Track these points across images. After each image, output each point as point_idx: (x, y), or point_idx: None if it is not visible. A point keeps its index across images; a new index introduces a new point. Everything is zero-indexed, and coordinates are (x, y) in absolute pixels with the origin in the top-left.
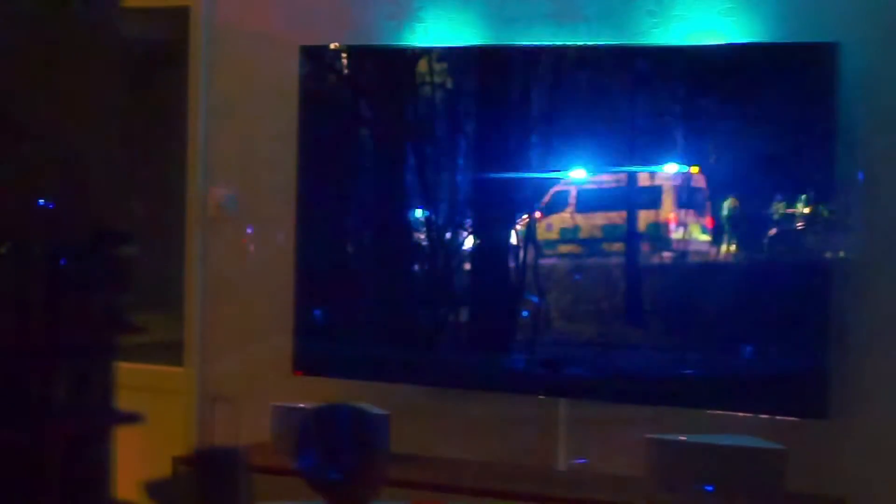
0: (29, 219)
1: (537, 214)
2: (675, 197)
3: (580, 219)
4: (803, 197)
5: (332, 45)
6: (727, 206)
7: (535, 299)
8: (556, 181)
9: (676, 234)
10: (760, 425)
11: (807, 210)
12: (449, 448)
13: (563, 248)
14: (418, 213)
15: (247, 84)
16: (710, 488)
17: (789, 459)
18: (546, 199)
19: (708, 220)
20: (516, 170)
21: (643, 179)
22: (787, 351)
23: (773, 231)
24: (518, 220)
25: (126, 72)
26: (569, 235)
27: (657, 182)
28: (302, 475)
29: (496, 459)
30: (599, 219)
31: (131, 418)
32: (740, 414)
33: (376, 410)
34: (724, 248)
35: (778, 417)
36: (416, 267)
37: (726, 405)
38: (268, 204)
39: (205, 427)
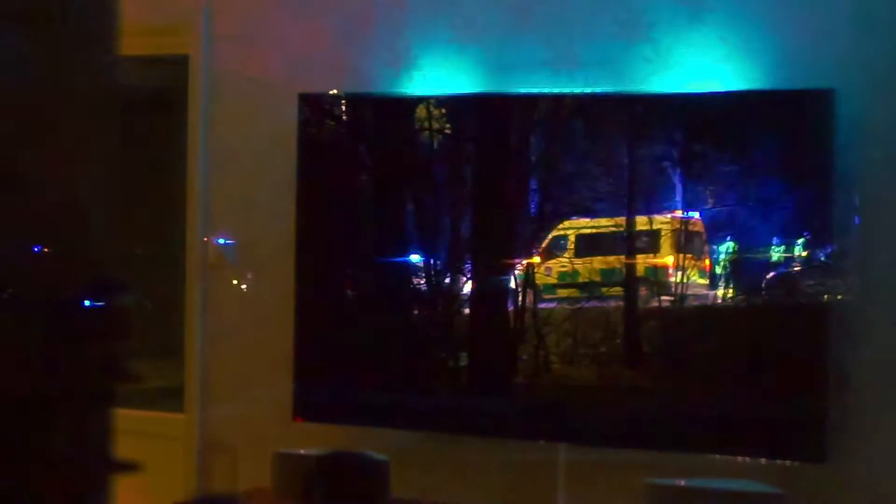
0: (27, 267)
1: (536, 259)
2: (673, 241)
3: (579, 263)
4: (800, 241)
5: (330, 93)
6: (725, 249)
7: (536, 343)
8: (554, 226)
9: (675, 278)
10: (759, 469)
11: (804, 254)
12: (449, 493)
13: (562, 293)
14: (417, 258)
15: (246, 131)
16: None
17: (787, 503)
18: (544, 244)
19: (706, 264)
20: (515, 215)
21: (641, 224)
22: (785, 395)
23: (770, 275)
24: (517, 265)
25: (125, 119)
26: (567, 280)
27: (655, 227)
28: None
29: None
30: (598, 263)
31: (129, 467)
32: (739, 458)
33: (377, 456)
34: (721, 291)
35: (777, 461)
36: (416, 312)
37: (725, 449)
38: (267, 251)
39: (205, 473)
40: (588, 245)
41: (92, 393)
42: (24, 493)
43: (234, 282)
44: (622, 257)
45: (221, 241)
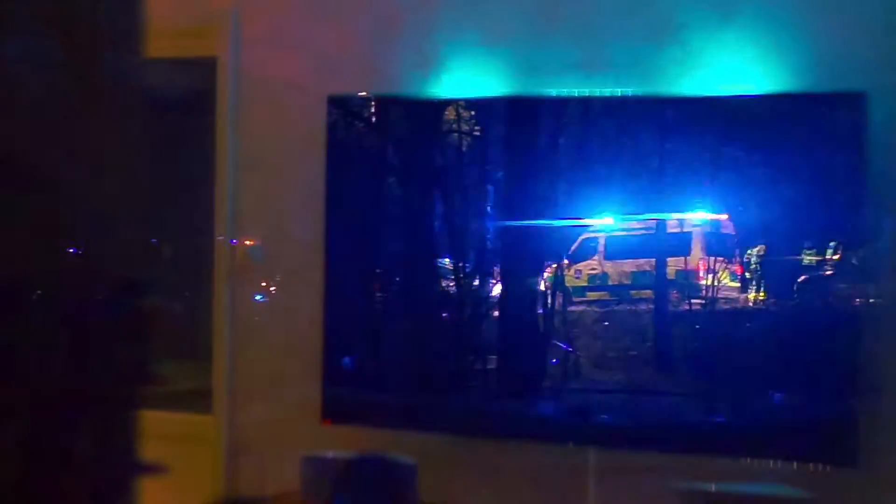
0: (52, 270)
1: (566, 262)
2: (704, 244)
3: (609, 266)
4: (833, 244)
5: (359, 95)
6: (756, 252)
7: (565, 346)
8: (584, 229)
9: (706, 280)
10: (791, 473)
11: (836, 257)
12: (478, 497)
13: (592, 296)
14: (446, 261)
15: (274, 133)
16: None
17: None
18: (574, 246)
19: (737, 267)
20: (545, 218)
21: (672, 227)
22: (817, 398)
23: (802, 278)
24: (546, 268)
25: (153, 121)
26: (597, 282)
27: (686, 229)
28: None
29: None
30: (628, 266)
31: (153, 469)
32: (770, 462)
33: (405, 459)
34: (753, 294)
35: (809, 465)
36: (445, 315)
37: (757, 453)
38: (295, 253)
39: (233, 475)
40: (618, 248)
41: (113, 395)
42: (47, 495)
43: (262, 284)
44: (653, 260)
45: (249, 242)
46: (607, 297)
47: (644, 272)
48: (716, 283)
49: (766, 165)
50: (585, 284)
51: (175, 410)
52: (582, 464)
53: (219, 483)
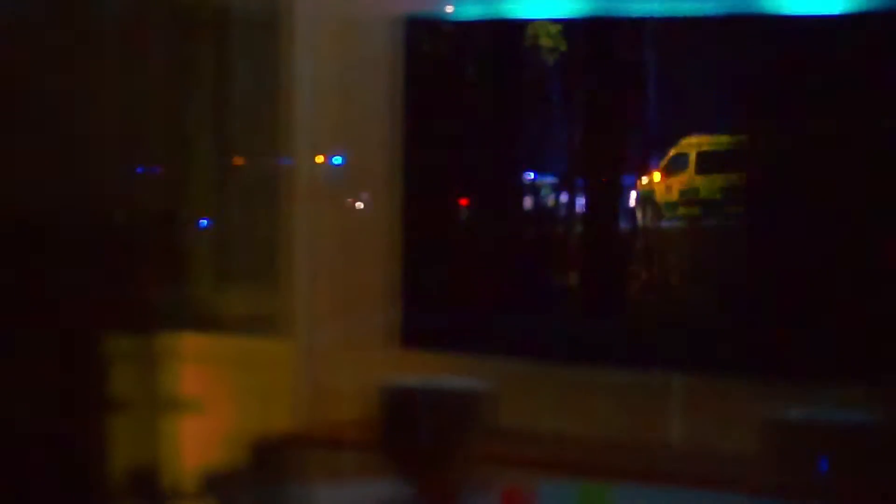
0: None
1: (657, 176)
2: None
3: (699, 180)
4: None
5: (437, 13)
6: None
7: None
8: (675, 143)
9: None
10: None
11: None
12: (558, 422)
13: (682, 210)
14: (530, 177)
15: (351, 52)
16: (825, 467)
17: None
18: (665, 161)
19: None
20: (632, 133)
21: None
22: None
23: None
24: (635, 183)
25: (223, 42)
26: (688, 197)
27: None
28: (389, 455)
29: (607, 434)
30: (719, 180)
31: (187, 405)
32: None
33: (476, 385)
34: None
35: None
36: (530, 233)
37: (846, 377)
38: (373, 173)
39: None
40: (709, 162)
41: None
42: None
43: (340, 204)
44: (744, 174)
45: (325, 163)
46: (697, 213)
47: (736, 187)
48: None
49: (857, 82)
50: (676, 199)
51: (250, 335)
52: (665, 387)
53: (295, 410)
